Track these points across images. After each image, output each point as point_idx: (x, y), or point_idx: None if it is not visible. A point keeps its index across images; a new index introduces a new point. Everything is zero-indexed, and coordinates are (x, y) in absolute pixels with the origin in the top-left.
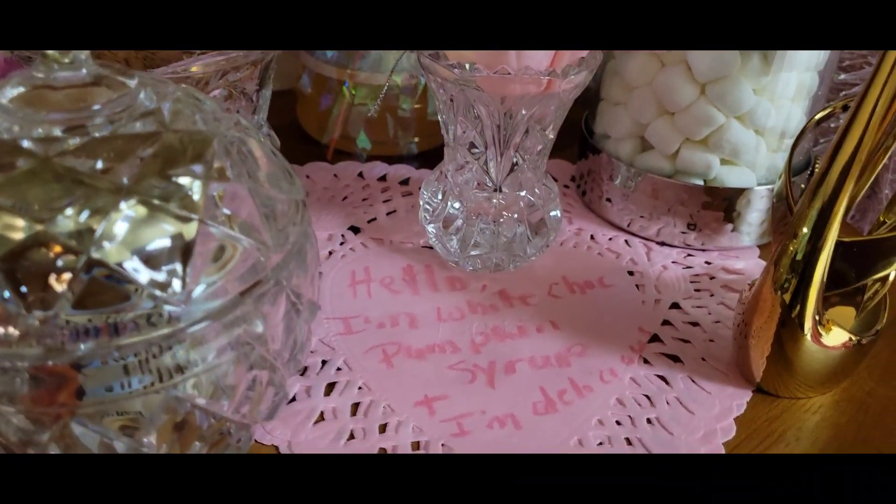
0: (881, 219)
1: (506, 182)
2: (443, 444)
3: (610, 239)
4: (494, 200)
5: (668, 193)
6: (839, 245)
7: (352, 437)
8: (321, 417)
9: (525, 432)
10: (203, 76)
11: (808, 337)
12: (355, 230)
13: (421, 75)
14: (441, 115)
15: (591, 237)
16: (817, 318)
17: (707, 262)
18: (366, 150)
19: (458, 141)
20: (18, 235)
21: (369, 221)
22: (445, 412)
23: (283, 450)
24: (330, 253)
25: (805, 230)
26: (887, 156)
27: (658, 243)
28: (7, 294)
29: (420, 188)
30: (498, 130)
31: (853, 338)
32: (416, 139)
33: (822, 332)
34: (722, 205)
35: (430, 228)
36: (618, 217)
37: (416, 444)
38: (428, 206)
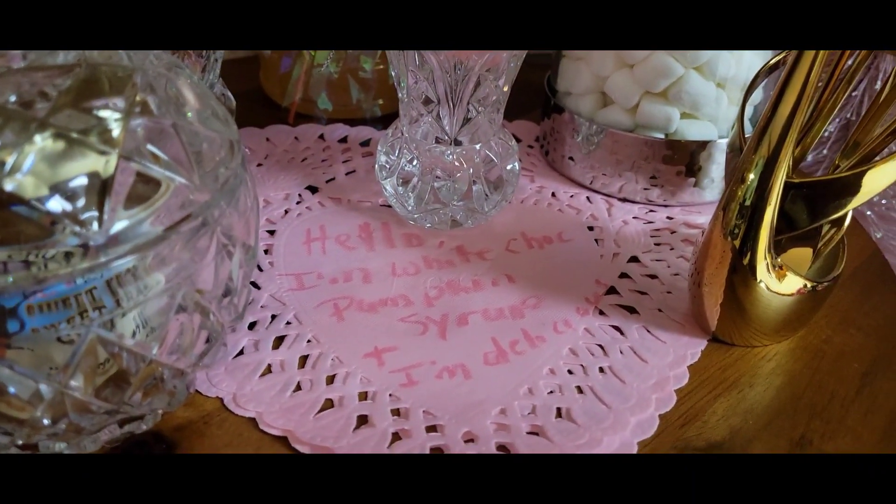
0: (836, 163)
1: (461, 135)
2: (390, 395)
3: (571, 196)
4: (450, 155)
5: (629, 149)
6: (789, 186)
7: (298, 388)
8: (268, 370)
9: (475, 381)
10: None
11: (761, 283)
12: (313, 190)
13: None
14: (392, 68)
15: (553, 194)
16: (769, 263)
17: (668, 218)
18: (327, 111)
19: (411, 94)
20: None
21: (328, 181)
22: (395, 363)
23: (227, 402)
24: (286, 212)
25: (752, 175)
26: (840, 102)
27: (620, 199)
28: None
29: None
30: (449, 80)
31: (808, 284)
32: (380, 101)
33: (775, 278)
34: (683, 159)
35: (387, 185)
36: (580, 175)
37: (364, 395)
38: (385, 163)
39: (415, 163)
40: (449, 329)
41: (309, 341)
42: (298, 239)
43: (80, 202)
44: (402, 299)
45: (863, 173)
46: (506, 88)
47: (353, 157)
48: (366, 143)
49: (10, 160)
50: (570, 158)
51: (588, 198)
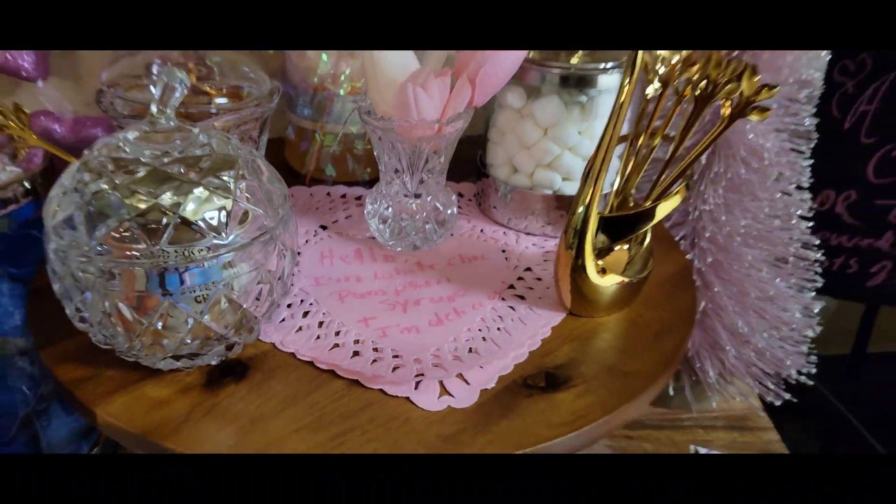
0: (644, 203)
1: (418, 191)
2: (372, 342)
3: (493, 231)
4: (412, 204)
5: (530, 201)
6: (602, 219)
7: (318, 337)
8: (300, 329)
9: (422, 335)
10: (225, 126)
11: (591, 279)
12: (324, 227)
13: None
14: (375, 150)
15: (481, 230)
16: (594, 265)
17: (555, 244)
18: (332, 177)
19: (387, 166)
20: (143, 205)
21: (333, 222)
22: (375, 325)
23: (277, 344)
24: (306, 241)
25: (580, 210)
26: (644, 167)
27: (525, 233)
28: (137, 233)
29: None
30: (409, 158)
31: (624, 279)
32: (368, 170)
33: (599, 276)
34: (564, 206)
35: (372, 224)
36: (499, 217)
37: (356, 341)
38: (371, 210)
39: (389, 209)
40: (408, 308)
41: (323, 314)
42: (316, 257)
43: (214, 223)
44: (381, 292)
45: (654, 208)
46: (443, 160)
47: (349, 206)
48: (358, 198)
49: (183, 201)
50: (494, 207)
51: (504, 232)
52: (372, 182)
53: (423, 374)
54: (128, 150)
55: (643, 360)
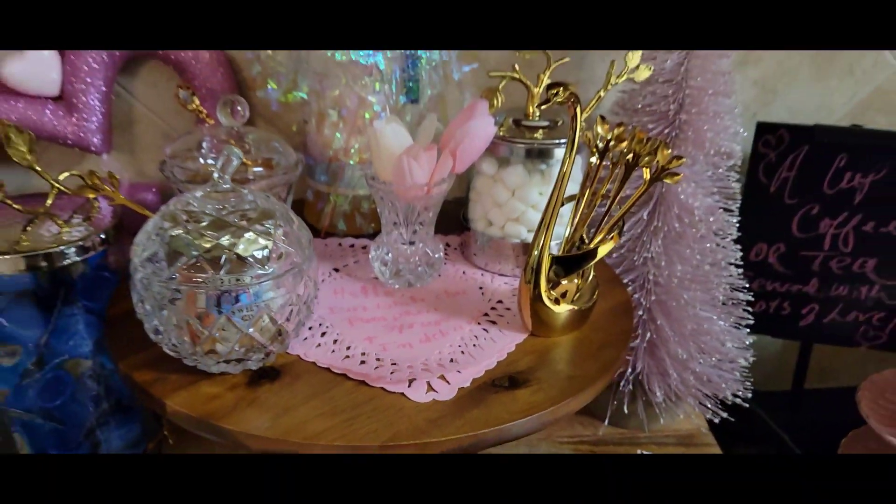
0: (587, 246)
1: (412, 240)
2: (375, 354)
3: (473, 273)
4: (407, 250)
5: (502, 248)
6: (553, 258)
7: (333, 352)
8: (319, 345)
9: (415, 349)
10: (259, 189)
11: (546, 306)
12: (336, 270)
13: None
14: (378, 207)
15: (463, 272)
16: (549, 296)
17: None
18: (343, 230)
19: (387, 220)
20: (208, 244)
21: (344, 266)
22: (377, 342)
23: (302, 356)
24: (323, 280)
25: (535, 252)
26: (588, 218)
27: (499, 275)
28: (203, 266)
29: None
30: (405, 214)
31: (574, 307)
32: (372, 224)
33: (553, 304)
34: (521, 251)
35: (375, 266)
36: (479, 262)
37: (363, 353)
38: (374, 255)
39: (389, 254)
40: (403, 329)
41: (337, 334)
42: (330, 292)
43: (259, 258)
44: (382, 318)
45: (595, 249)
46: (431, 215)
47: (357, 254)
48: (364, 247)
49: (237, 242)
50: (474, 254)
51: (482, 274)
52: (374, 234)
53: (414, 378)
54: (196, 204)
55: (586, 367)
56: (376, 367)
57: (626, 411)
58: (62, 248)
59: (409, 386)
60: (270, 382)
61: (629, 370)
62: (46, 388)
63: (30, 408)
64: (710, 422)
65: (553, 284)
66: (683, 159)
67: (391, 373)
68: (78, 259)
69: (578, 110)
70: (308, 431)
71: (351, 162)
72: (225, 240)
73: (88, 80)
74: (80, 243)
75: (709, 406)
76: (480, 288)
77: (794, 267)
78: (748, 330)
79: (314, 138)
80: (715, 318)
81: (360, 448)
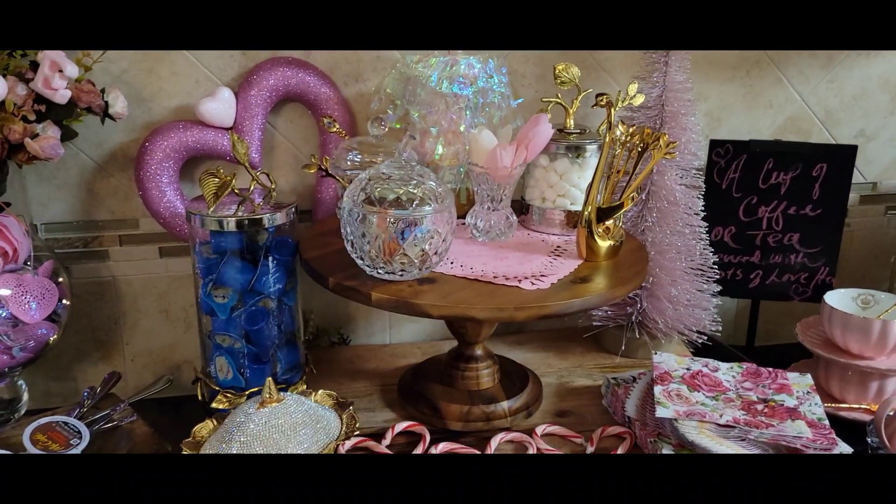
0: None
1: (497, 208)
2: (491, 271)
3: (534, 234)
4: (494, 216)
5: (553, 216)
6: (598, 209)
7: (461, 267)
8: (451, 266)
9: (514, 268)
10: None
11: (597, 240)
12: None
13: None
14: (474, 185)
15: (528, 234)
16: (597, 233)
17: (567, 239)
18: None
19: (480, 194)
20: (400, 191)
21: None
22: (489, 266)
23: (444, 273)
24: None
25: (588, 207)
26: (616, 183)
27: (551, 234)
28: (396, 204)
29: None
30: (493, 189)
31: (611, 242)
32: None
33: (601, 239)
34: (572, 218)
35: (471, 229)
36: (537, 227)
37: (482, 271)
38: (470, 221)
39: (480, 220)
40: (501, 259)
41: (462, 262)
42: None
43: (429, 200)
44: (485, 254)
45: (622, 203)
46: (510, 190)
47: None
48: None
49: (417, 190)
50: (532, 222)
51: (540, 234)
52: (464, 214)
53: (520, 279)
54: (385, 170)
55: (622, 275)
56: (494, 276)
57: (634, 343)
58: (259, 217)
59: (519, 282)
60: (430, 284)
61: (636, 309)
62: (249, 317)
63: (236, 332)
64: (693, 351)
65: (598, 226)
66: (676, 143)
67: (505, 278)
68: (266, 227)
69: (612, 110)
70: (468, 303)
71: (444, 164)
72: (410, 188)
73: (253, 115)
74: (267, 215)
75: (694, 334)
76: (543, 240)
77: (742, 243)
78: (715, 286)
79: (419, 148)
80: (692, 270)
81: (501, 309)
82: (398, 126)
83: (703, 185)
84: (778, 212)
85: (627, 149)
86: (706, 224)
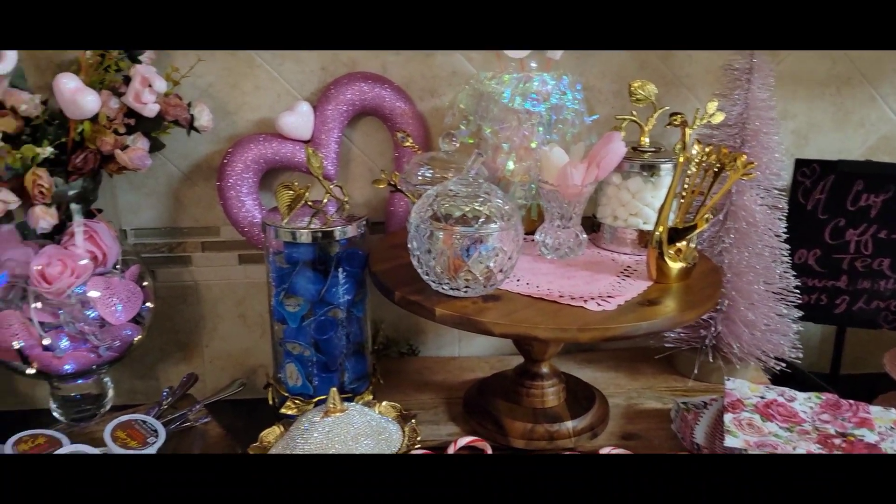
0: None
1: (567, 225)
2: (556, 290)
3: (604, 253)
4: (563, 233)
5: (624, 235)
6: (671, 229)
7: (527, 285)
8: (517, 283)
9: (580, 288)
10: None
11: (667, 261)
12: None
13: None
14: (543, 203)
15: (598, 252)
16: (669, 254)
17: (638, 259)
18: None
19: (550, 212)
20: (466, 208)
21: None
22: (555, 284)
23: (509, 290)
24: None
25: (660, 227)
26: (690, 203)
27: (622, 253)
28: (462, 221)
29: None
30: (563, 207)
31: (683, 264)
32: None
33: (671, 261)
34: (644, 238)
35: (539, 246)
36: (607, 246)
37: (548, 290)
38: (539, 238)
39: (549, 237)
40: (568, 278)
41: (528, 280)
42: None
43: (495, 218)
44: (552, 272)
45: (695, 224)
46: (580, 208)
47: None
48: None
49: (483, 207)
50: (603, 241)
51: (610, 253)
52: (528, 232)
53: (585, 300)
54: (452, 187)
55: (693, 298)
56: (560, 295)
57: (708, 367)
58: (331, 229)
59: (585, 302)
60: (495, 301)
61: (710, 332)
62: (318, 327)
63: (306, 340)
64: (770, 378)
65: (669, 247)
66: (754, 163)
67: (571, 297)
68: (338, 239)
69: (687, 129)
70: (531, 322)
71: (515, 181)
72: (476, 205)
73: (330, 128)
74: (339, 228)
75: (770, 360)
76: (612, 259)
77: (827, 267)
78: (797, 311)
79: (489, 164)
80: (771, 294)
81: (564, 329)
82: (470, 141)
83: (786, 206)
84: (867, 235)
85: (703, 169)
86: (788, 246)
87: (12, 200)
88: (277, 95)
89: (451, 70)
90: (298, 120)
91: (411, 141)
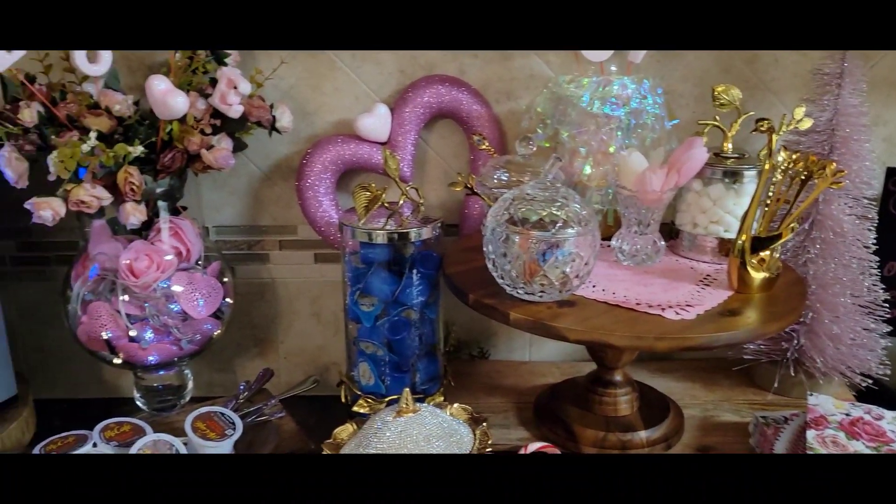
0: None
1: (645, 232)
2: (633, 297)
3: (683, 261)
4: (641, 239)
5: (705, 243)
6: (754, 238)
7: (603, 291)
8: (594, 290)
9: (658, 296)
10: None
11: (749, 271)
12: None
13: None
14: (621, 208)
15: (676, 260)
16: (751, 264)
17: (718, 267)
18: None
19: (628, 218)
20: (543, 213)
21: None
22: (632, 291)
23: (585, 296)
24: None
25: (742, 236)
26: (775, 212)
27: (701, 261)
28: (538, 226)
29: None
30: (639, 213)
31: (766, 274)
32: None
33: (754, 271)
34: (725, 246)
35: (616, 252)
36: (686, 254)
37: (625, 297)
38: (616, 244)
39: (626, 244)
40: (646, 285)
41: (604, 287)
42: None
43: (572, 223)
44: (629, 279)
45: (780, 233)
46: (659, 214)
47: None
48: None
49: (561, 211)
50: (682, 248)
51: (689, 261)
52: (610, 237)
53: (664, 308)
54: (529, 191)
55: (775, 310)
56: (636, 303)
57: (789, 381)
58: (406, 231)
59: (663, 310)
60: (570, 307)
61: (792, 345)
62: (392, 327)
63: (379, 340)
64: (856, 395)
65: (752, 257)
66: (844, 171)
67: (648, 305)
68: (413, 240)
69: (774, 136)
70: (606, 329)
71: (592, 185)
72: (554, 209)
73: (407, 131)
74: (414, 230)
75: (856, 375)
76: (691, 267)
77: None
78: (885, 325)
79: (566, 168)
80: (858, 307)
81: (640, 338)
82: (547, 145)
83: (876, 217)
84: None
85: (790, 176)
86: (877, 258)
87: (105, 197)
88: (356, 97)
89: (528, 73)
90: (376, 122)
91: (487, 144)
